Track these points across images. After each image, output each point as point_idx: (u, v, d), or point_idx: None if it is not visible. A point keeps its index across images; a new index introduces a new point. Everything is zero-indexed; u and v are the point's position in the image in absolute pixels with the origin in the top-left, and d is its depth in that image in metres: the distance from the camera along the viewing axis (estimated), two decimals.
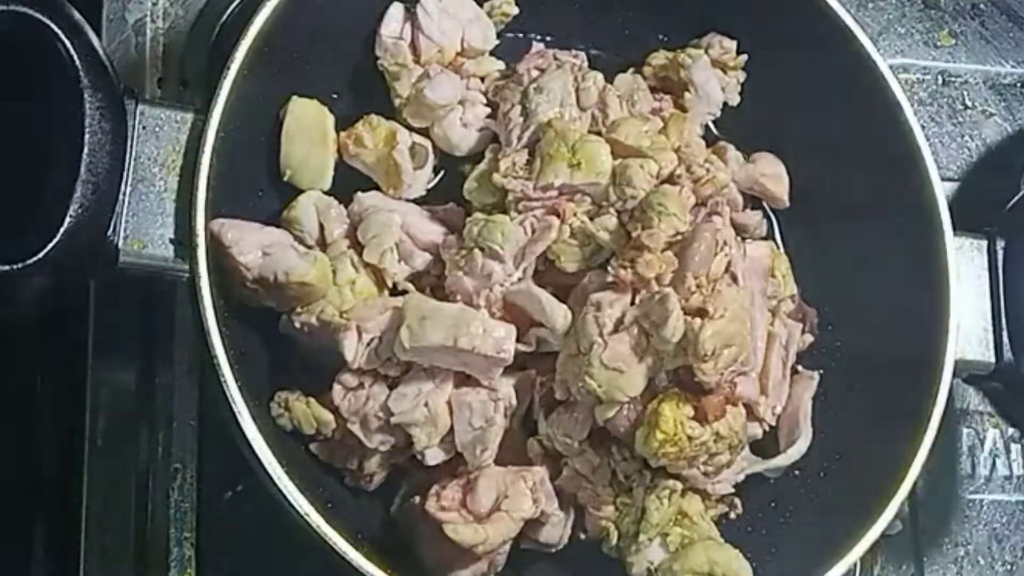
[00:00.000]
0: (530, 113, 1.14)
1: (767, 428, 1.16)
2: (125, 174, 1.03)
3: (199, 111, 1.07)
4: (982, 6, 1.47)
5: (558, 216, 1.10)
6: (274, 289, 1.07)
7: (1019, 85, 1.46)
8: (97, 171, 1.00)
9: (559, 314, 1.07)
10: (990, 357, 1.19)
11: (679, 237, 1.05)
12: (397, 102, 1.17)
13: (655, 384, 1.05)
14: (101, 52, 1.03)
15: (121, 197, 1.03)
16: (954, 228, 1.17)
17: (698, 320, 1.02)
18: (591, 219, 1.09)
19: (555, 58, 1.21)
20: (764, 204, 1.26)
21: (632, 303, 1.06)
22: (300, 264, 1.07)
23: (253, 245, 1.07)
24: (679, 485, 1.10)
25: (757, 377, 1.13)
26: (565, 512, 1.12)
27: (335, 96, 1.18)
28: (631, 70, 1.24)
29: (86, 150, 0.99)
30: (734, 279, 1.07)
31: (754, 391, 1.12)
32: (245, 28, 1.08)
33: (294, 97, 1.14)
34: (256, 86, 1.09)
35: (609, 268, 1.07)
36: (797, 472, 1.18)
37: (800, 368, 1.20)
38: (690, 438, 1.03)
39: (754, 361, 1.11)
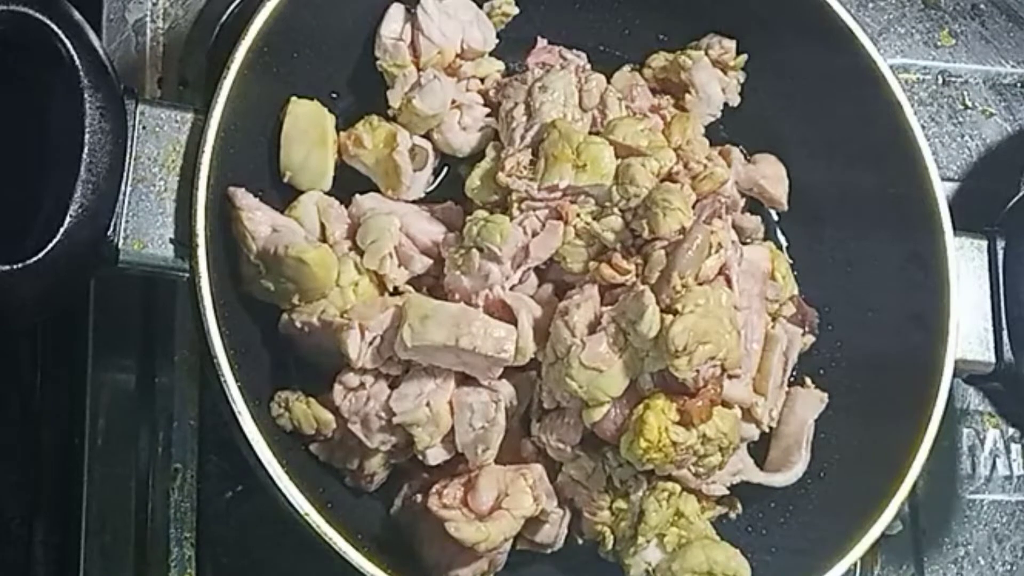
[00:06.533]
0: (534, 112, 1.14)
1: (766, 430, 1.16)
2: (125, 174, 1.03)
3: (199, 111, 1.07)
4: (982, 6, 1.47)
5: (561, 218, 1.10)
6: (274, 266, 1.07)
7: (1019, 85, 1.47)
8: (97, 171, 1.00)
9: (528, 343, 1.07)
10: (990, 357, 1.19)
11: (682, 235, 1.06)
12: (390, 112, 1.17)
13: (640, 387, 1.06)
14: (101, 52, 1.03)
15: (121, 197, 1.03)
16: (954, 228, 1.18)
17: (670, 316, 1.02)
18: (595, 219, 1.10)
19: (561, 56, 1.22)
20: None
21: (603, 304, 1.06)
22: (302, 243, 1.07)
23: (265, 218, 1.08)
24: (677, 487, 1.10)
25: (751, 379, 1.13)
26: (562, 510, 1.12)
27: (335, 96, 1.18)
28: (628, 67, 1.24)
29: (86, 150, 0.99)
30: (728, 281, 1.07)
31: (746, 393, 1.12)
32: (245, 28, 1.08)
33: (293, 98, 1.14)
34: (256, 86, 1.09)
35: (590, 265, 1.08)
36: None
37: (811, 384, 1.20)
38: (675, 443, 1.03)
39: (747, 363, 1.11)
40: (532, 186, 1.10)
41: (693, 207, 1.08)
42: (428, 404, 1.07)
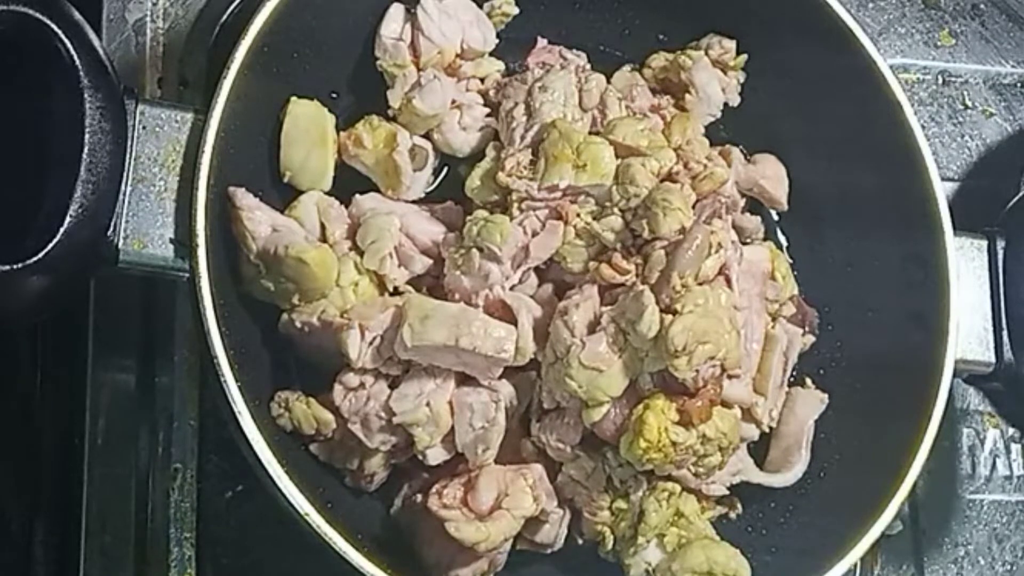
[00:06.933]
0: (534, 112, 1.14)
1: (766, 430, 1.16)
2: (125, 174, 1.03)
3: (199, 111, 1.07)
4: (982, 6, 1.47)
5: (561, 218, 1.10)
6: (274, 266, 1.07)
7: (1019, 85, 1.46)
8: (97, 171, 1.00)
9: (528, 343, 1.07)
10: (990, 357, 1.19)
11: (682, 235, 1.06)
12: (390, 112, 1.17)
13: (640, 387, 1.06)
14: (101, 52, 1.03)
15: (121, 197, 1.03)
16: (954, 228, 1.18)
17: (669, 316, 1.03)
18: (595, 219, 1.10)
19: (561, 56, 1.22)
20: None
21: (603, 304, 1.06)
22: (302, 243, 1.07)
23: (265, 218, 1.08)
24: (677, 487, 1.10)
25: (751, 379, 1.13)
26: (562, 510, 1.12)
27: (335, 96, 1.18)
28: (628, 67, 1.24)
29: (86, 150, 0.99)
30: (728, 281, 1.07)
31: (746, 393, 1.12)
32: (245, 28, 1.08)
33: (293, 98, 1.14)
34: (256, 86, 1.09)
35: (590, 265, 1.08)
36: None
37: (811, 384, 1.20)
38: (674, 443, 1.03)
39: (747, 363, 1.11)
40: (532, 186, 1.10)
41: (693, 207, 1.08)
42: (428, 404, 1.07)
